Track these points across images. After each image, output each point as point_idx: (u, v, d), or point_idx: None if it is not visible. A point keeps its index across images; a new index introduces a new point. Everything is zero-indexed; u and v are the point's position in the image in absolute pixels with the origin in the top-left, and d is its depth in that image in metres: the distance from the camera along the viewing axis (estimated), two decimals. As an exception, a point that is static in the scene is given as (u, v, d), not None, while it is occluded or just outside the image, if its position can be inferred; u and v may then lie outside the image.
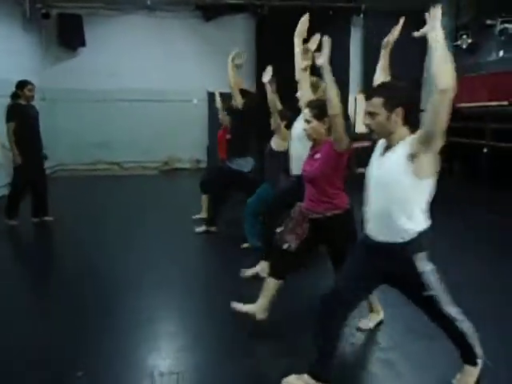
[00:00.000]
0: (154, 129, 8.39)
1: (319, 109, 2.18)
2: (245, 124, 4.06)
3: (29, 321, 2.62)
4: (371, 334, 2.44)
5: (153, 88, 8.22)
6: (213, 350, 2.29)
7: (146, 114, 8.42)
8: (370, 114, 1.67)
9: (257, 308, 2.36)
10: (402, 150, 1.62)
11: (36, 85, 7.31)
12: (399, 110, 1.63)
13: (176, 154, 8.56)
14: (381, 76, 2.02)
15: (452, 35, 8.70)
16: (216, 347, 2.31)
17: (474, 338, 1.79)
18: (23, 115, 4.49)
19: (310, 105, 2.24)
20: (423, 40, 6.74)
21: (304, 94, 2.48)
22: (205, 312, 2.72)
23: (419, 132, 1.58)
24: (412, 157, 1.57)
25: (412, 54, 8.47)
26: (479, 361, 1.83)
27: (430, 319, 1.86)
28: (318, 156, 2.25)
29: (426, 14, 1.55)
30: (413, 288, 1.77)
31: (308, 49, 2.42)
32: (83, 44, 7.95)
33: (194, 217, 4.75)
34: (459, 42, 8.29)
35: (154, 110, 8.44)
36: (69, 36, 7.79)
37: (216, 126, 5.67)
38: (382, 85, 1.77)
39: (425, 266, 1.70)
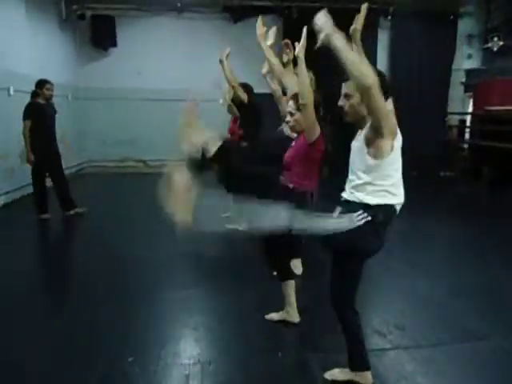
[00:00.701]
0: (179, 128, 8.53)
1: None
2: (253, 116, 4.10)
3: (65, 317, 2.73)
4: (412, 332, 2.46)
5: (180, 88, 8.37)
6: (249, 343, 2.33)
7: (172, 114, 8.56)
8: (345, 96, 1.71)
9: (287, 315, 2.48)
10: (363, 134, 1.70)
11: (70, 84, 7.66)
12: None
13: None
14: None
15: (482, 38, 8.56)
16: (252, 340, 2.36)
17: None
18: (40, 114, 4.62)
19: (294, 97, 2.25)
20: (452, 41, 6.65)
21: (290, 87, 2.55)
22: (237, 307, 2.76)
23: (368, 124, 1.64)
24: (368, 142, 1.65)
25: (441, 55, 8.37)
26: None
27: None
28: (293, 144, 2.35)
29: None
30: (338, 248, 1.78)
31: (288, 43, 2.55)
32: (115, 44, 8.17)
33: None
34: (490, 45, 8.14)
35: (180, 110, 8.59)
36: (101, 36, 8.01)
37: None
38: None
39: (352, 218, 1.68)
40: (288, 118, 2.30)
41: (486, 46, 8.34)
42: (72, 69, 7.93)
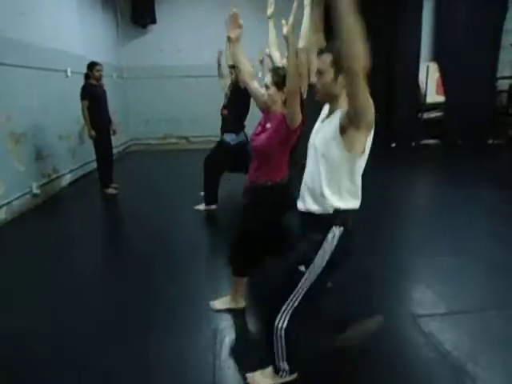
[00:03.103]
0: (219, 104, 8.56)
1: (282, 78, 2.01)
2: (240, 98, 3.95)
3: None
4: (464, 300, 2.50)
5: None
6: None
7: (212, 90, 8.59)
8: (318, 72, 1.50)
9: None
10: (336, 119, 1.46)
11: (113, 63, 7.78)
12: None
13: (241, 127, 8.72)
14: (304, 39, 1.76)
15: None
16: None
17: (280, 349, 1.64)
18: (93, 94, 4.83)
19: (273, 71, 2.10)
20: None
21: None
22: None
23: (346, 108, 1.39)
24: (342, 129, 1.41)
25: (491, 14, 7.93)
26: (282, 374, 1.72)
27: (268, 302, 1.71)
28: (268, 126, 2.12)
29: None
30: (296, 253, 1.59)
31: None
32: (154, 21, 8.19)
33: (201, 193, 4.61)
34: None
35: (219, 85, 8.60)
36: (141, 14, 8.04)
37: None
38: (336, 41, 1.47)
39: (328, 243, 1.51)
40: (263, 91, 2.16)
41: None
42: (115, 48, 8.04)
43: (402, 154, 7.71)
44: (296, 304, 1.57)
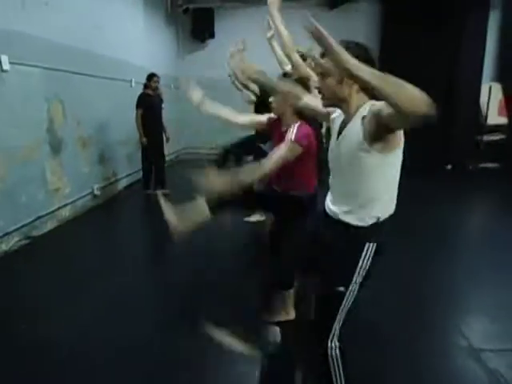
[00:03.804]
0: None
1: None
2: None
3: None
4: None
5: (276, 76, 8.49)
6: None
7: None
8: (322, 75, 1.40)
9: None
10: (359, 125, 1.35)
11: (171, 74, 8.14)
12: None
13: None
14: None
15: None
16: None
17: (338, 370, 1.57)
18: (148, 104, 5.09)
19: (284, 77, 2.05)
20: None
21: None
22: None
23: (375, 115, 1.24)
24: (374, 138, 1.30)
25: None
26: None
27: (313, 330, 1.64)
28: (281, 146, 2.10)
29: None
30: (334, 274, 1.54)
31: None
32: (212, 36, 8.50)
33: None
34: None
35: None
36: (200, 29, 8.37)
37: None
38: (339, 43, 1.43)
39: (365, 259, 1.47)
40: (271, 99, 2.16)
41: None
42: (174, 60, 8.42)
43: (457, 176, 7.35)
44: (343, 322, 1.56)
